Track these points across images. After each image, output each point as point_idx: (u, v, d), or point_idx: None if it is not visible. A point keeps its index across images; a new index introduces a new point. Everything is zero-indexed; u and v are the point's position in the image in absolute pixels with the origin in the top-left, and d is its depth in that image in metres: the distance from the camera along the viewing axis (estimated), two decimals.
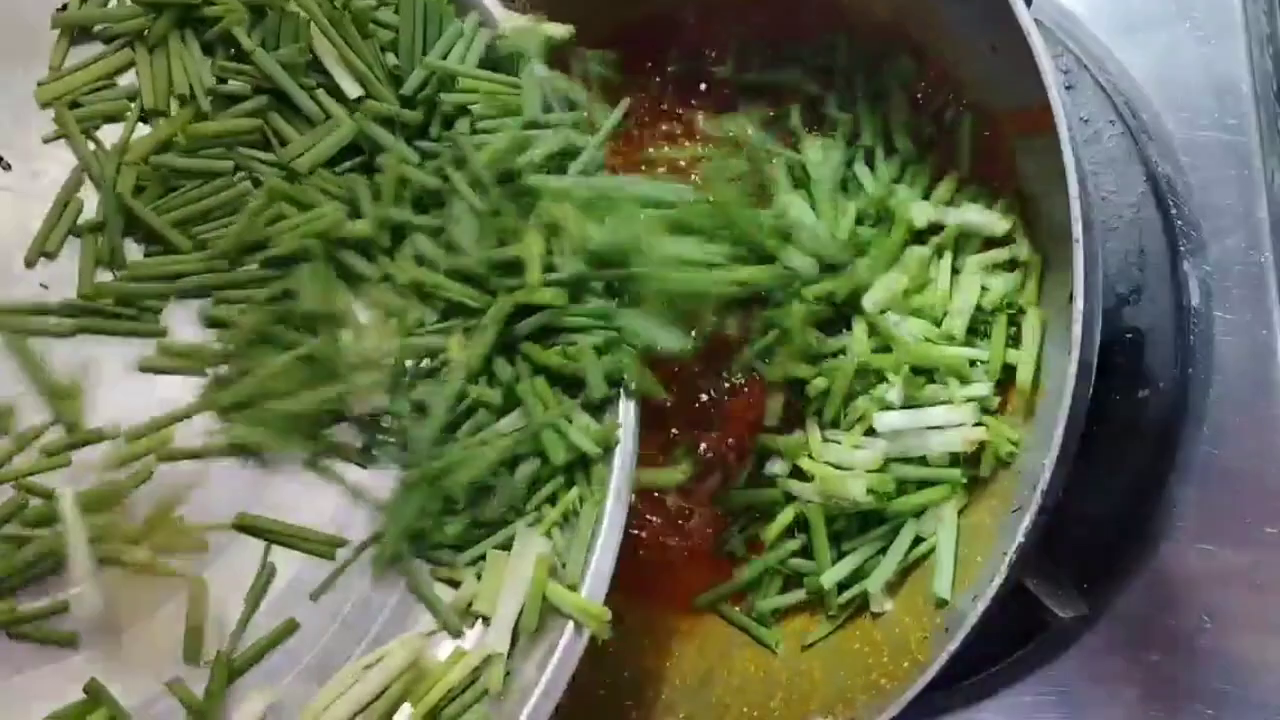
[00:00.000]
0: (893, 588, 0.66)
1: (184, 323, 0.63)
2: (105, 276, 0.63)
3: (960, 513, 0.65)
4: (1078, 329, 0.55)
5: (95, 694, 0.57)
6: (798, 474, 0.69)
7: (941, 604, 0.62)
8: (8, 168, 0.63)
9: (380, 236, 0.62)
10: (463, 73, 0.64)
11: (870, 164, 0.71)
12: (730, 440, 0.69)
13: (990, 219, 0.66)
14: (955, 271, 0.67)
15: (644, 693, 0.70)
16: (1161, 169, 0.71)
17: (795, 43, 0.74)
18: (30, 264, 0.62)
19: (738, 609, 0.71)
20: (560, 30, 0.64)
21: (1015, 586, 0.58)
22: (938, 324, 0.66)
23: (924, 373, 0.66)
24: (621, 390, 0.60)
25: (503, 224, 0.61)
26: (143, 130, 0.65)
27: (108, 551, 0.58)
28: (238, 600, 0.60)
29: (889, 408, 0.66)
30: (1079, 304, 0.55)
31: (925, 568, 0.65)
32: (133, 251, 0.64)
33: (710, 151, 0.71)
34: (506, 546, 0.60)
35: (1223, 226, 0.70)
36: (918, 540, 0.65)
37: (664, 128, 0.75)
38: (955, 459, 0.65)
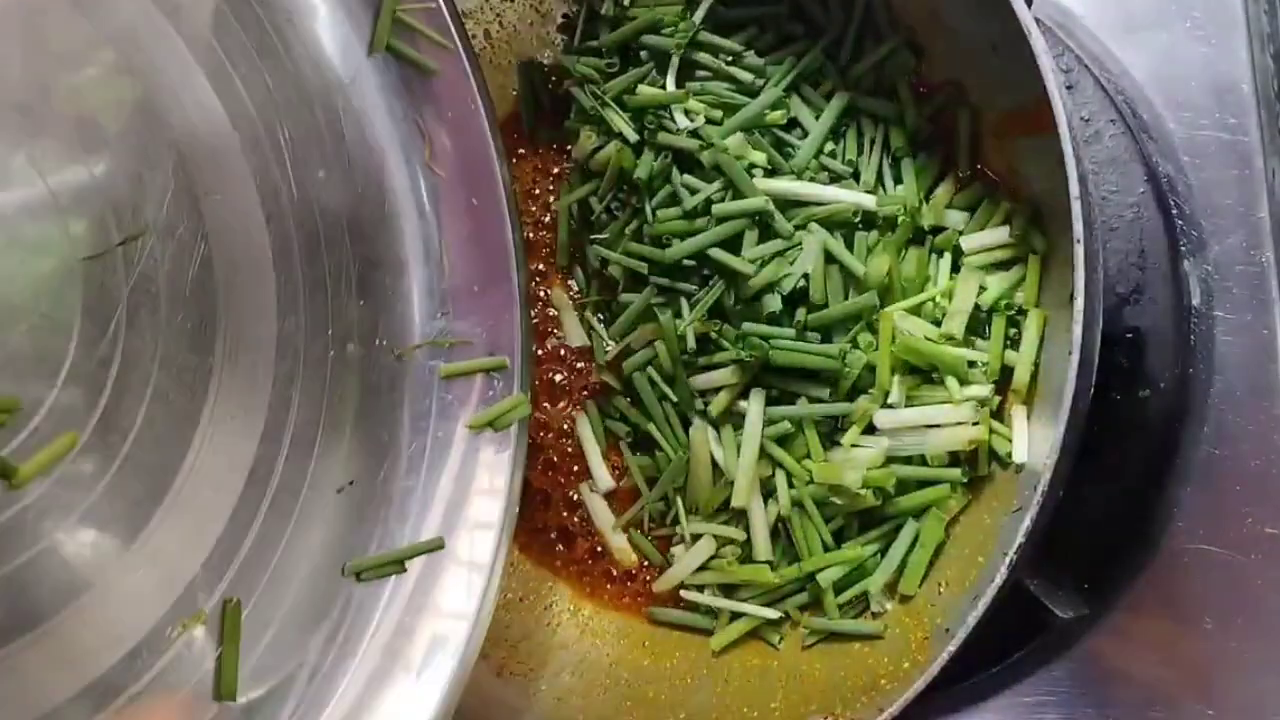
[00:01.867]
0: (892, 587, 0.66)
1: None
2: None
3: (960, 512, 0.65)
4: (1078, 329, 0.55)
5: None
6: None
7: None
8: None
9: None
10: None
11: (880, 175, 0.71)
12: None
13: (1000, 237, 0.66)
14: (954, 270, 0.67)
15: (644, 692, 0.70)
16: (1162, 168, 0.71)
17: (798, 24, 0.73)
18: None
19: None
20: None
21: (1015, 586, 0.58)
22: (937, 323, 0.66)
23: (923, 372, 0.66)
24: None
25: None
26: None
27: None
28: None
29: (890, 405, 0.66)
30: (1079, 304, 0.55)
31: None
32: None
33: None
34: None
35: (1223, 226, 0.70)
36: (918, 540, 0.65)
37: None
38: (955, 458, 0.65)
